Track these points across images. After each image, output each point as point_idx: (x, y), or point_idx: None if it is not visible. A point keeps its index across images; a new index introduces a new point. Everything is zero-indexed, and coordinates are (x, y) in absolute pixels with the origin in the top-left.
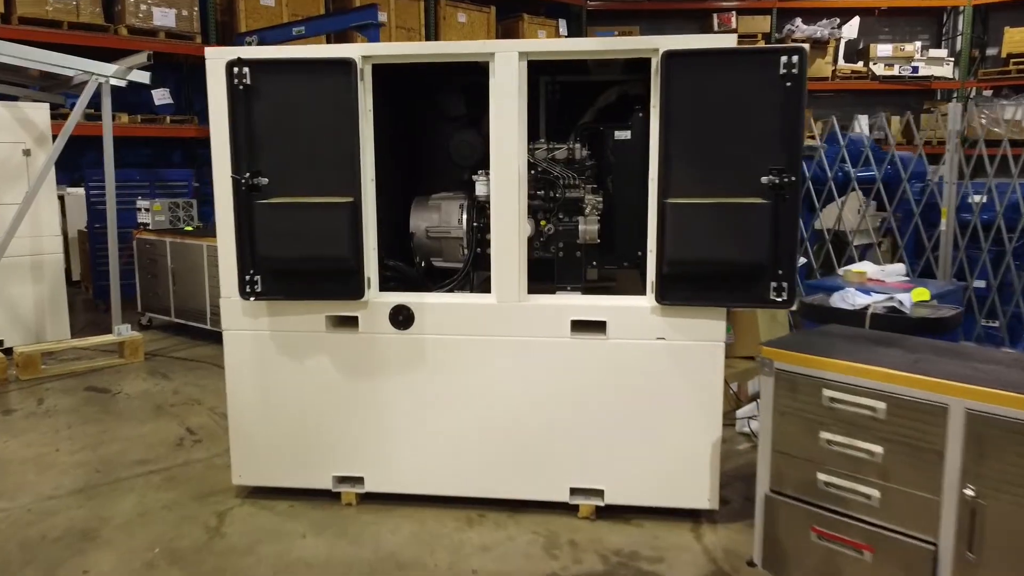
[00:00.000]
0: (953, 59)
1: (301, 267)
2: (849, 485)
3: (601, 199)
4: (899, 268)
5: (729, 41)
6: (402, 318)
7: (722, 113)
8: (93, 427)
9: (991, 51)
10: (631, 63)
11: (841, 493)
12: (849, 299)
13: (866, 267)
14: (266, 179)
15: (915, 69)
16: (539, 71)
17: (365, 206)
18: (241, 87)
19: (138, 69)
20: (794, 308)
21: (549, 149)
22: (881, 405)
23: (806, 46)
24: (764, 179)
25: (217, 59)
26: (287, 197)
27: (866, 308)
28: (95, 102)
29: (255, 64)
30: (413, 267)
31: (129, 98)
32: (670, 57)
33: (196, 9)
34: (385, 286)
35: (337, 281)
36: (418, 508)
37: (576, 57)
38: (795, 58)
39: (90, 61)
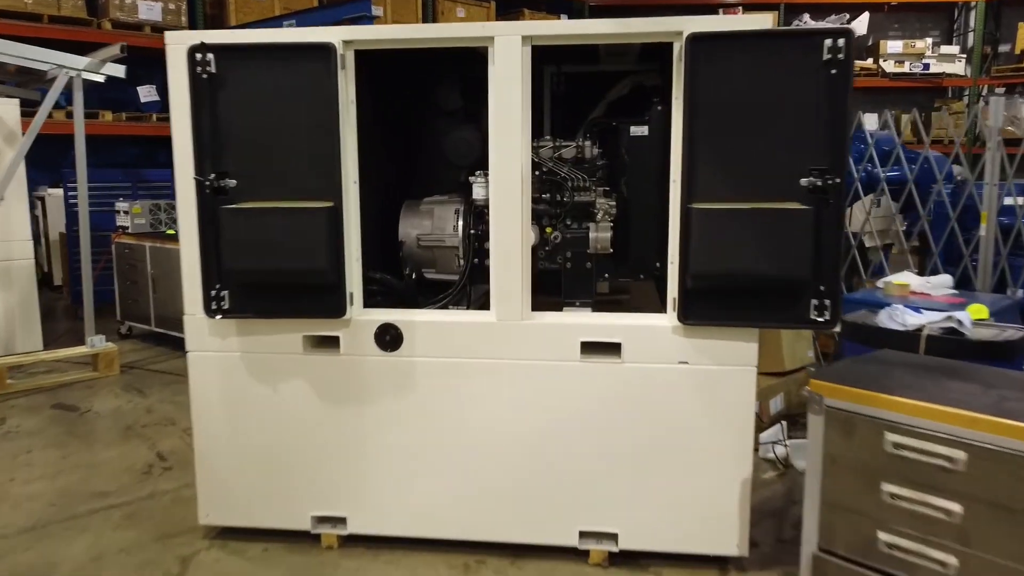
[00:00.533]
0: (965, 56)
1: (274, 281)
2: (918, 548)
3: (614, 203)
4: (945, 280)
5: (764, 22)
6: (389, 338)
7: (755, 105)
8: (55, 452)
9: (1004, 48)
10: (646, 51)
11: (908, 558)
12: (898, 318)
13: (908, 279)
14: (234, 181)
15: (926, 66)
16: (544, 60)
17: (347, 212)
18: (205, 76)
19: (113, 62)
20: (838, 329)
21: (555, 147)
22: (960, 455)
23: (854, 26)
24: (804, 181)
25: (178, 44)
26: (258, 201)
27: (920, 329)
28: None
29: (221, 50)
30: (402, 280)
31: (115, 95)
32: (696, 41)
33: (184, 2)
34: (370, 301)
35: (315, 297)
36: (408, 552)
37: (587, 42)
38: (841, 41)
39: (59, 53)
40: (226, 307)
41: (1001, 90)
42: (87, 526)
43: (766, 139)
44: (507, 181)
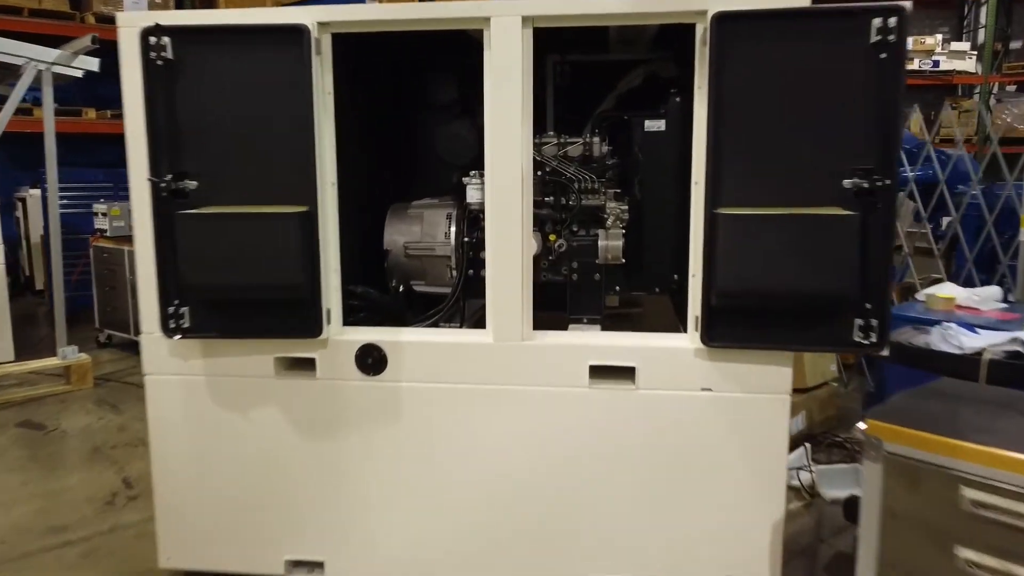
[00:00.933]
0: (976, 53)
1: (240, 296)
2: None
3: (627, 207)
4: (994, 292)
5: None
6: (371, 360)
7: (792, 95)
8: (14, 478)
9: (1015, 44)
10: (661, 37)
11: None
12: (953, 339)
13: (953, 291)
14: (194, 183)
15: (936, 63)
16: (547, 49)
17: (324, 217)
18: (160, 63)
19: (86, 55)
20: (886, 353)
21: (560, 144)
22: None
23: (907, 4)
24: (847, 183)
25: (131, 27)
26: (221, 206)
27: (979, 353)
28: (64, 96)
29: (178, 33)
30: (387, 293)
31: (99, 92)
32: (723, 21)
33: None
34: (351, 319)
35: (287, 314)
36: None
37: (597, 23)
38: (892, 21)
39: (26, 45)
40: (186, 325)
41: (1012, 88)
42: (38, 567)
43: (804, 134)
44: (505, 182)
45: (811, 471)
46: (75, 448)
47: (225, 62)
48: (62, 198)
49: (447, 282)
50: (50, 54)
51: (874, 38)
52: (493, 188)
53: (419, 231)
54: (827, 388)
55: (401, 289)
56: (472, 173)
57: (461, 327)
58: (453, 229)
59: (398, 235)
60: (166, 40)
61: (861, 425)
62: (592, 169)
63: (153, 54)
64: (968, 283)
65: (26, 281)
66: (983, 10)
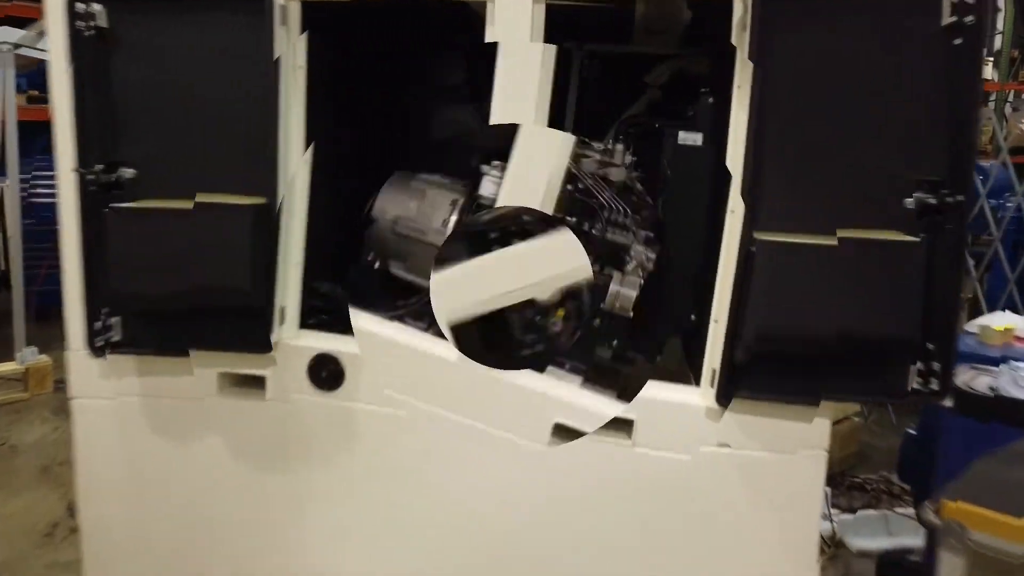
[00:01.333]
0: (992, 59)
1: (178, 305)
2: None
3: (654, 256)
4: None
5: None
6: (327, 374)
7: (849, 91)
8: None
9: None
10: (692, 29)
11: None
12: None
13: (1012, 320)
14: (131, 171)
15: None
16: (562, 33)
17: (289, 212)
18: (91, 32)
19: None
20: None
21: (602, 162)
22: None
23: None
24: (909, 200)
25: None
26: (163, 200)
27: None
28: (39, 82)
29: None
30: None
31: None
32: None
33: None
34: (313, 321)
35: (233, 323)
36: None
37: None
38: (969, 2)
39: None
40: (116, 339)
41: None
42: None
43: (861, 140)
44: (528, 187)
45: (832, 520)
46: (22, 466)
47: (170, 32)
48: (41, 188)
49: (427, 275)
50: (12, 34)
51: (947, 19)
52: (511, 189)
53: (415, 208)
54: (848, 423)
55: (377, 265)
56: (493, 162)
57: (427, 330)
58: (454, 218)
59: (391, 205)
60: (97, 7)
61: (930, 504)
62: (630, 201)
63: (81, 23)
64: (1009, 307)
65: (3, 275)
66: (1000, 16)
